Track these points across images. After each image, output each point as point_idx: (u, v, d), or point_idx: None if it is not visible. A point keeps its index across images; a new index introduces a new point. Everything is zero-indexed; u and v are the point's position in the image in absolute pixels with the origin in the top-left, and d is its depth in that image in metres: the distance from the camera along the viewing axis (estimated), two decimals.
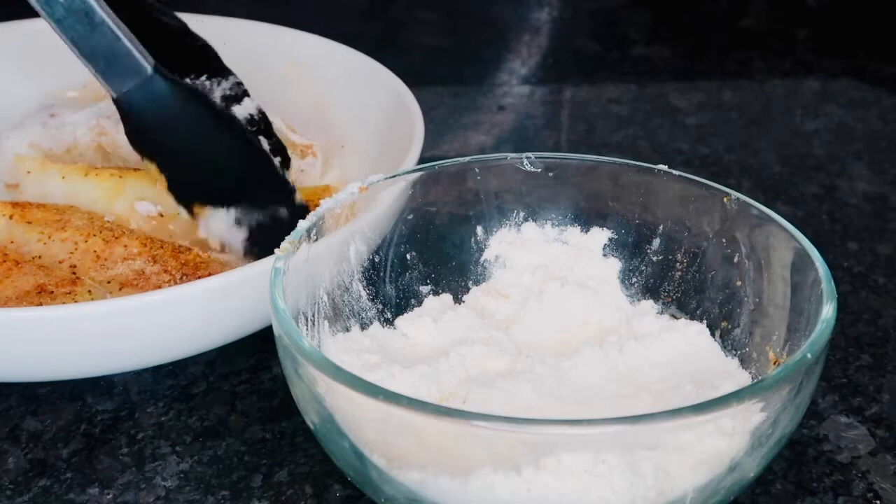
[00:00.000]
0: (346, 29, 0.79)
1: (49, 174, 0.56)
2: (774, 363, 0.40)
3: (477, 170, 0.46)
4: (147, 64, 0.45)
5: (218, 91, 0.55)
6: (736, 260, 0.43)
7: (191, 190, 0.49)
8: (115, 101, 0.46)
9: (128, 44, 0.45)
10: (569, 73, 0.86)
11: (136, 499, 0.42)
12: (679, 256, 0.45)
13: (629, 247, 0.46)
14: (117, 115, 0.60)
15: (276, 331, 0.37)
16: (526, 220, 0.47)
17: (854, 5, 0.97)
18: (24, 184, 0.57)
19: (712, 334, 0.43)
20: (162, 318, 0.43)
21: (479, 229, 0.47)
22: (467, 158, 0.46)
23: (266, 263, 0.42)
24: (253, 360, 0.49)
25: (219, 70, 0.55)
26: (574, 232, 0.46)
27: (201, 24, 0.57)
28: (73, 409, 0.46)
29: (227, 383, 0.48)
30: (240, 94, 0.55)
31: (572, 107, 0.79)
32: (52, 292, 0.47)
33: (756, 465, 0.36)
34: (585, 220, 0.46)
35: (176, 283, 0.48)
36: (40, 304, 0.46)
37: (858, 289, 0.55)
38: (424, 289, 0.46)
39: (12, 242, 0.51)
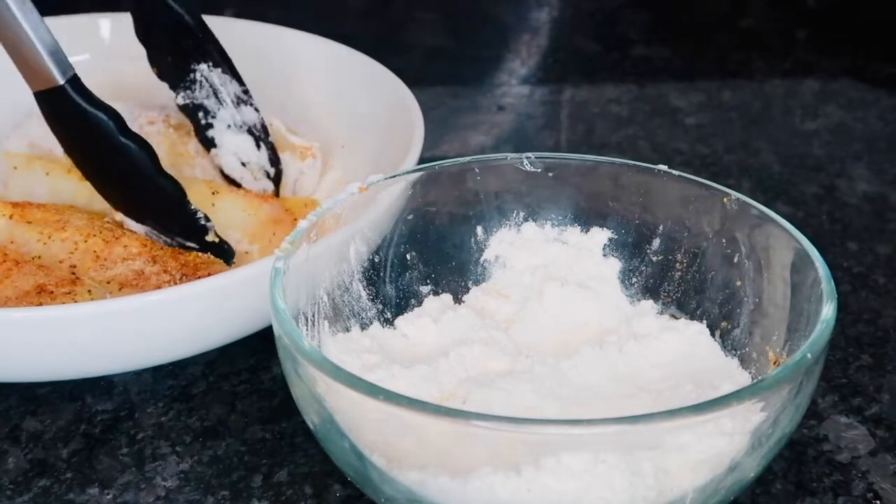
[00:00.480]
0: (346, 29, 0.79)
1: (34, 170, 0.56)
2: (774, 363, 0.40)
3: (477, 170, 0.46)
4: (59, 75, 0.47)
5: (231, 87, 0.57)
6: (736, 260, 0.43)
7: (104, 193, 0.51)
8: (35, 96, 0.48)
9: (40, 50, 0.47)
10: (569, 73, 0.86)
11: (136, 499, 0.42)
12: (679, 256, 0.45)
13: (629, 247, 0.46)
14: None
15: (276, 331, 0.37)
16: (526, 220, 0.47)
17: (853, 5, 0.96)
18: (10, 181, 0.57)
19: (712, 334, 0.43)
20: (162, 318, 0.43)
21: (479, 229, 0.47)
22: (467, 158, 0.46)
23: (266, 263, 0.42)
24: (253, 360, 0.49)
25: (229, 71, 0.58)
26: (574, 232, 0.46)
27: None
28: (73, 410, 0.46)
29: (227, 383, 0.48)
30: (245, 101, 0.58)
31: (572, 107, 0.79)
32: (52, 292, 0.47)
33: (756, 465, 0.36)
34: (585, 220, 0.46)
35: (176, 284, 0.48)
36: (40, 304, 0.46)
37: (858, 289, 0.55)
38: (424, 289, 0.46)
39: (12, 242, 0.51)
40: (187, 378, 0.48)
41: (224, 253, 0.52)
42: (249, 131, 0.58)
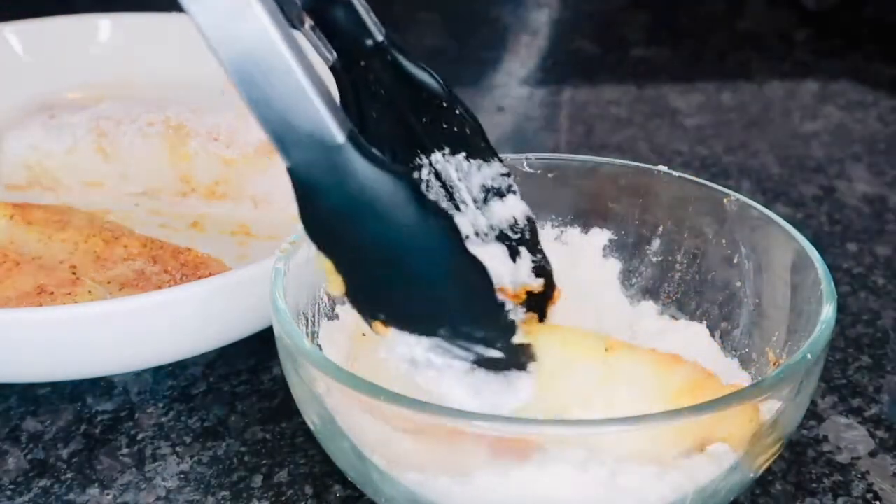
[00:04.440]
0: None
1: None
2: (774, 364, 0.40)
3: None
4: (339, 131, 0.33)
5: (476, 178, 0.40)
6: (735, 261, 0.43)
7: (375, 301, 0.36)
8: (289, 172, 0.35)
9: (317, 101, 0.33)
10: (568, 74, 0.86)
11: (136, 499, 0.42)
12: (679, 257, 0.45)
13: (629, 248, 0.46)
14: (117, 116, 0.61)
15: (277, 331, 0.37)
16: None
17: (853, 6, 0.97)
18: None
19: (712, 335, 0.43)
20: (162, 318, 0.43)
21: None
22: None
23: (266, 264, 0.42)
24: (253, 360, 0.49)
25: (479, 150, 0.41)
26: (574, 233, 0.46)
27: None
28: (73, 410, 0.46)
29: (227, 384, 0.48)
30: (504, 187, 0.41)
31: (571, 108, 0.79)
32: (53, 293, 0.47)
33: (756, 466, 0.36)
34: (585, 221, 0.46)
35: (176, 284, 0.48)
36: (40, 305, 0.46)
37: (858, 290, 0.55)
38: None
39: (12, 243, 0.51)
40: (187, 378, 0.48)
41: (526, 363, 0.36)
42: (501, 236, 0.40)
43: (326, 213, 0.35)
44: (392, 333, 0.35)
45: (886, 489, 0.42)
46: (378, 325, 0.35)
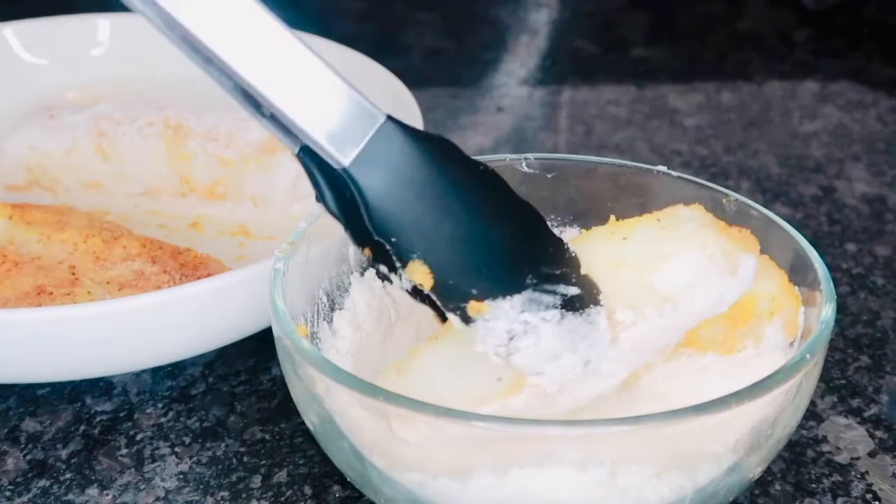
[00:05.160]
0: (346, 30, 0.80)
1: None
2: None
3: None
4: (377, 109, 0.34)
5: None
6: None
7: (465, 276, 0.34)
8: (346, 173, 0.33)
9: (353, 89, 0.33)
10: (567, 74, 0.86)
11: (136, 499, 0.42)
12: None
13: None
14: (117, 117, 0.61)
15: (276, 332, 0.37)
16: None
17: (853, 7, 0.97)
18: None
19: None
20: (161, 319, 0.43)
21: None
22: None
23: (265, 264, 0.42)
24: (252, 361, 0.49)
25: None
26: (573, 233, 0.46)
27: None
28: (72, 410, 0.46)
29: (226, 384, 0.48)
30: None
31: (571, 108, 0.79)
32: (52, 293, 0.47)
33: (755, 466, 0.36)
34: (584, 221, 0.46)
35: (175, 284, 0.48)
36: (40, 305, 0.46)
37: (857, 290, 0.55)
38: None
39: (12, 243, 0.51)
40: (186, 379, 0.48)
41: (597, 294, 0.36)
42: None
43: (395, 200, 0.34)
44: (488, 307, 0.34)
45: (886, 489, 0.42)
46: (473, 304, 0.34)
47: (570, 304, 0.35)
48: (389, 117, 0.34)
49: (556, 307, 0.35)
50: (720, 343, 0.37)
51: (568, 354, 0.35)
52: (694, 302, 0.37)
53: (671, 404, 0.32)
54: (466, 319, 0.35)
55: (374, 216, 0.34)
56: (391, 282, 0.36)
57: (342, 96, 0.33)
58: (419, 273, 0.34)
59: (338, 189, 0.35)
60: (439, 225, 0.34)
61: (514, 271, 0.35)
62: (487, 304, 0.34)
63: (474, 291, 0.34)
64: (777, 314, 0.38)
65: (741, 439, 0.34)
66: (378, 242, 0.34)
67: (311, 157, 0.35)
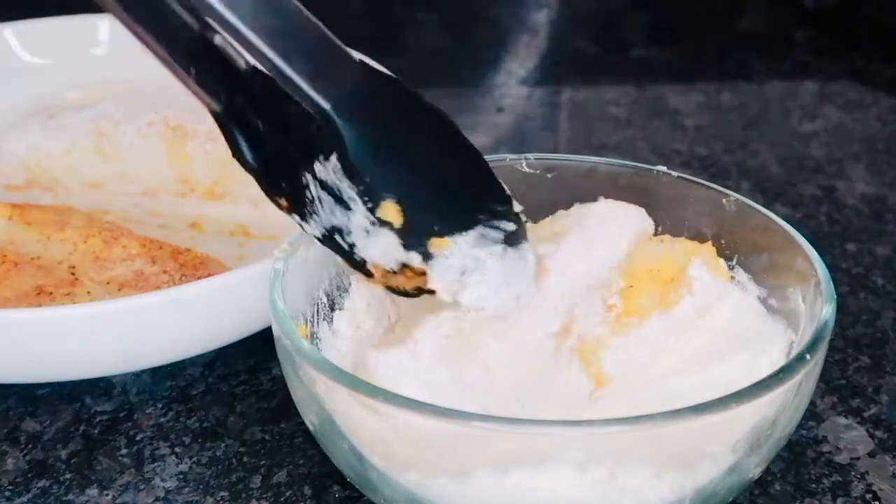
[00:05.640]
0: (346, 30, 0.79)
1: None
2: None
3: None
4: (351, 51, 0.35)
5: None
6: (735, 261, 0.43)
7: (430, 212, 0.36)
8: (324, 115, 0.34)
9: (326, 30, 0.34)
10: (567, 74, 0.86)
11: (135, 500, 0.42)
12: None
13: None
14: (116, 117, 0.61)
15: (276, 332, 0.37)
16: (525, 221, 0.47)
17: (852, 7, 0.97)
18: None
19: None
20: (161, 319, 0.43)
21: None
22: None
23: (265, 264, 0.42)
24: (252, 361, 0.49)
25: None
26: None
27: None
28: (71, 411, 0.46)
29: (225, 384, 0.48)
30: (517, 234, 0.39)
31: (571, 108, 0.79)
32: (52, 293, 0.47)
33: (755, 466, 0.36)
34: None
35: (175, 284, 0.48)
36: (39, 305, 0.46)
37: (857, 290, 0.55)
38: None
39: (11, 243, 0.51)
40: (186, 379, 0.48)
41: (525, 230, 0.38)
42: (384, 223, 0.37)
43: (369, 140, 0.35)
44: (448, 243, 0.36)
45: (886, 489, 0.42)
46: (435, 241, 0.36)
47: (510, 240, 0.37)
48: (361, 61, 0.35)
49: (500, 242, 0.37)
50: (657, 302, 0.39)
51: (505, 289, 0.37)
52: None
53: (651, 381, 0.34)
54: (427, 256, 0.36)
55: (353, 157, 0.34)
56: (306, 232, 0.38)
57: (319, 38, 0.35)
58: (391, 212, 0.36)
59: (260, 141, 0.37)
60: (407, 164, 0.36)
61: (469, 207, 0.37)
62: (448, 240, 0.36)
63: (436, 228, 0.36)
64: (693, 255, 0.41)
65: (741, 439, 0.34)
66: (296, 191, 0.36)
67: (230, 114, 0.36)
